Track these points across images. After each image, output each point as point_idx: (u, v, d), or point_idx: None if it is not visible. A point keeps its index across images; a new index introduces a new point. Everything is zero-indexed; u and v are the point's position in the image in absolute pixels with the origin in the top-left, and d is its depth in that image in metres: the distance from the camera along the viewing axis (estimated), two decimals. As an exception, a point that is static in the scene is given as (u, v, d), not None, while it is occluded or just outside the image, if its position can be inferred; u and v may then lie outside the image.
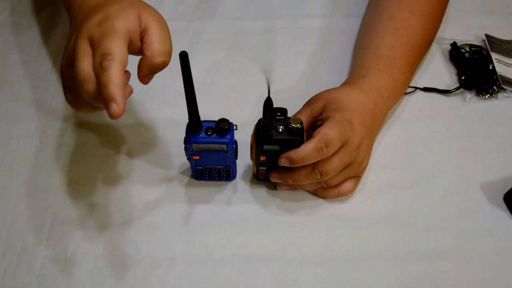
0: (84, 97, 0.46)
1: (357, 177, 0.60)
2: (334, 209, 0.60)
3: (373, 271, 0.56)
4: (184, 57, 0.45)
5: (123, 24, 0.46)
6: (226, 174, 0.60)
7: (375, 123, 0.60)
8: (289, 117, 0.53)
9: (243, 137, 0.59)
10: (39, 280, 0.55)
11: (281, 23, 0.77)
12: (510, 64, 0.72)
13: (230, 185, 0.62)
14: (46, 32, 0.76)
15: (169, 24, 0.72)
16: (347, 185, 0.59)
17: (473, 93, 0.70)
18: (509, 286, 0.55)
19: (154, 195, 0.61)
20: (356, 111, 0.56)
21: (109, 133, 0.66)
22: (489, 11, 0.79)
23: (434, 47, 0.75)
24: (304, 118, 0.58)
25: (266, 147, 0.54)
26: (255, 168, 0.59)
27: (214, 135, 0.53)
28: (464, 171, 0.63)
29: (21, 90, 0.70)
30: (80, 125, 0.66)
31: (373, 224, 0.59)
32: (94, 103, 0.46)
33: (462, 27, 0.77)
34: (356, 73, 0.63)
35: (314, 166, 0.54)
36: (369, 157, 0.59)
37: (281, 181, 0.58)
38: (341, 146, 0.54)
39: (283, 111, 0.53)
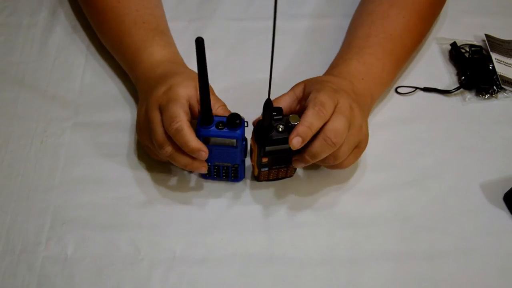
0: (165, 156, 0.55)
1: (358, 148, 0.57)
2: (334, 209, 0.60)
3: (373, 271, 0.56)
4: (200, 44, 0.46)
5: (183, 91, 0.55)
6: (234, 173, 0.59)
7: (360, 98, 0.59)
8: (288, 115, 0.53)
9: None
10: (39, 280, 0.55)
11: (281, 23, 0.76)
12: (510, 64, 0.72)
13: (230, 186, 0.62)
14: (46, 32, 0.76)
15: (169, 24, 0.72)
16: (347, 159, 0.57)
17: (473, 93, 0.70)
18: (509, 286, 0.55)
19: (154, 195, 0.61)
20: (335, 83, 0.58)
21: (109, 133, 0.66)
22: (489, 11, 0.79)
23: (434, 47, 0.75)
24: (288, 100, 0.58)
25: (268, 148, 0.54)
26: (256, 170, 0.59)
27: (225, 129, 0.53)
28: (464, 171, 0.63)
29: (21, 90, 0.70)
30: (80, 125, 0.66)
31: (373, 224, 0.59)
32: (172, 160, 0.55)
33: (462, 27, 0.77)
34: (328, 67, 0.65)
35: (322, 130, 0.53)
36: (366, 127, 0.58)
37: (303, 163, 0.56)
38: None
39: (279, 110, 0.53)
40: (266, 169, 0.58)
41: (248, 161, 0.61)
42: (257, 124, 0.53)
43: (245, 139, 0.56)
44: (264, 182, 0.62)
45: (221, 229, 0.59)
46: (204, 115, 0.53)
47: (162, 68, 0.62)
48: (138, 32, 0.65)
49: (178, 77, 0.58)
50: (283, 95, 0.59)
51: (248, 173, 0.62)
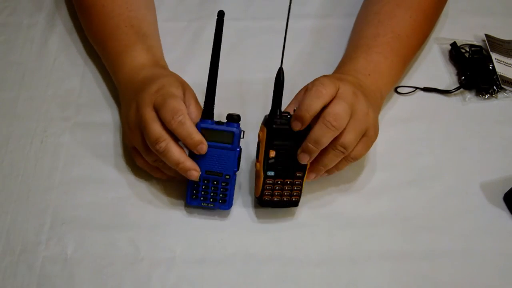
0: (157, 153, 0.54)
1: (367, 136, 0.57)
2: (334, 209, 0.60)
3: (373, 271, 0.56)
4: (221, 16, 0.49)
5: (176, 91, 0.56)
6: (223, 193, 0.58)
7: (367, 91, 0.59)
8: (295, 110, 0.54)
9: (242, 142, 0.58)
10: (39, 280, 0.55)
11: (281, 23, 0.76)
12: (510, 64, 0.72)
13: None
14: (46, 32, 0.76)
15: (169, 24, 0.72)
16: (358, 148, 0.56)
17: (473, 93, 0.70)
18: (509, 286, 0.56)
19: (154, 195, 0.61)
20: (339, 75, 0.58)
21: (108, 133, 0.66)
22: (489, 11, 0.79)
23: (434, 47, 0.75)
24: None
25: (276, 142, 0.54)
26: (259, 188, 0.57)
27: (224, 125, 0.55)
28: (464, 171, 0.63)
29: (21, 90, 0.70)
30: (80, 125, 0.66)
31: (373, 224, 0.59)
32: (163, 157, 0.54)
33: (462, 27, 0.77)
34: (336, 68, 0.65)
35: (333, 142, 0.53)
36: (374, 115, 0.57)
37: (315, 174, 0.57)
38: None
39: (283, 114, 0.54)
40: (272, 173, 0.56)
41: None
42: (265, 118, 0.55)
43: (240, 148, 0.56)
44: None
45: (221, 229, 0.59)
46: (208, 100, 0.55)
47: (146, 72, 0.61)
48: (120, 37, 0.65)
49: (166, 78, 0.58)
50: (286, 108, 0.58)
51: (249, 176, 0.62)
